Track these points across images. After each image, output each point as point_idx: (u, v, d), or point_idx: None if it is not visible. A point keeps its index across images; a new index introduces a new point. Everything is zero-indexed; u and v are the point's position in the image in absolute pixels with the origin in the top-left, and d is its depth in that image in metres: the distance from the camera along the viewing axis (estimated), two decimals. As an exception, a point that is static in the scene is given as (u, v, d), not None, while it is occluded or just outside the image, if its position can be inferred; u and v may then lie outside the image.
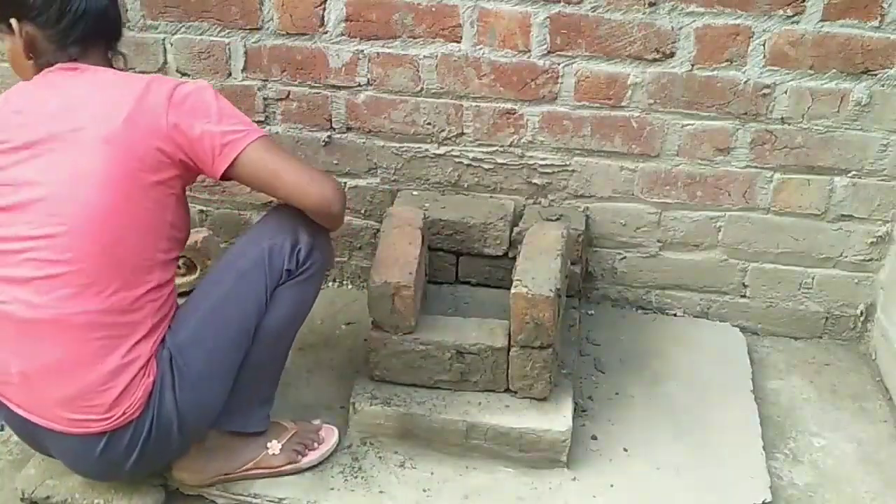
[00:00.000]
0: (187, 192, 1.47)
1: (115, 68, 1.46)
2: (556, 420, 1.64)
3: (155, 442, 1.41)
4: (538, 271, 1.63)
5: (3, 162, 1.35)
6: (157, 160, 1.35)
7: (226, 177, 1.40)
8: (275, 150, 1.43)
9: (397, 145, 2.05)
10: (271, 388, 1.60)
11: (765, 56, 1.81)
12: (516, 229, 1.95)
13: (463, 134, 2.01)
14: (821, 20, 1.76)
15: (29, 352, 1.34)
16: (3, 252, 1.34)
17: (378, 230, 1.98)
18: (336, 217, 1.49)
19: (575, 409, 1.70)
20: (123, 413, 1.36)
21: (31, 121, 1.36)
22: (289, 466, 1.61)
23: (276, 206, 1.54)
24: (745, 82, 1.85)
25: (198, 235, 2.03)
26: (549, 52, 1.88)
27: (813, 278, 2.05)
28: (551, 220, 1.96)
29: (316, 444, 1.64)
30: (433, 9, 1.88)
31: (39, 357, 1.34)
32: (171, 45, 2.02)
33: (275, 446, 1.59)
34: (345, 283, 2.24)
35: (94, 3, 1.39)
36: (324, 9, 1.91)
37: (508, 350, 1.64)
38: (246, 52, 1.99)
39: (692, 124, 1.91)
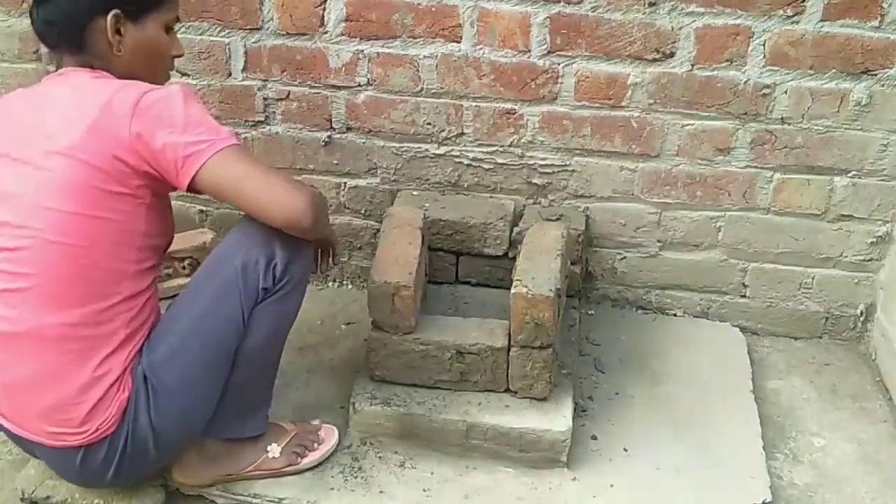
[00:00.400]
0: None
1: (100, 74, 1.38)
2: (556, 420, 1.63)
3: (132, 457, 1.39)
4: (538, 271, 1.63)
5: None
6: (121, 170, 1.30)
7: (192, 189, 1.32)
8: (242, 161, 1.32)
9: (397, 145, 2.05)
10: (266, 393, 1.58)
11: (765, 56, 1.81)
12: (516, 229, 1.95)
13: (463, 134, 2.01)
14: (821, 20, 1.76)
15: (6, 364, 1.34)
16: None
17: (378, 230, 1.98)
18: (308, 231, 1.38)
19: (575, 409, 1.70)
20: (97, 429, 1.35)
21: (11, 123, 1.35)
22: (289, 468, 1.60)
23: (248, 216, 1.43)
24: (745, 82, 1.85)
25: (205, 237, 2.03)
26: (549, 52, 1.88)
27: (813, 278, 2.05)
28: (551, 220, 1.96)
29: (316, 445, 1.64)
30: (433, 9, 1.88)
31: (16, 370, 1.33)
32: (171, 45, 2.02)
33: (275, 449, 1.59)
34: (345, 283, 2.24)
35: (33, 16, 1.37)
36: (324, 9, 1.91)
37: (508, 350, 1.64)
38: (246, 52, 1.99)
39: (692, 124, 1.91)
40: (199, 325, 1.41)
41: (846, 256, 2.01)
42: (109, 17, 1.35)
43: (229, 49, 1.99)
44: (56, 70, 1.39)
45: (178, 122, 1.29)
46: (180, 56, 1.48)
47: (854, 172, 1.92)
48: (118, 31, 1.36)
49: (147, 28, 1.40)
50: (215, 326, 1.41)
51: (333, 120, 2.04)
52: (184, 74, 2.04)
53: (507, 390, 1.68)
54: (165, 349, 1.40)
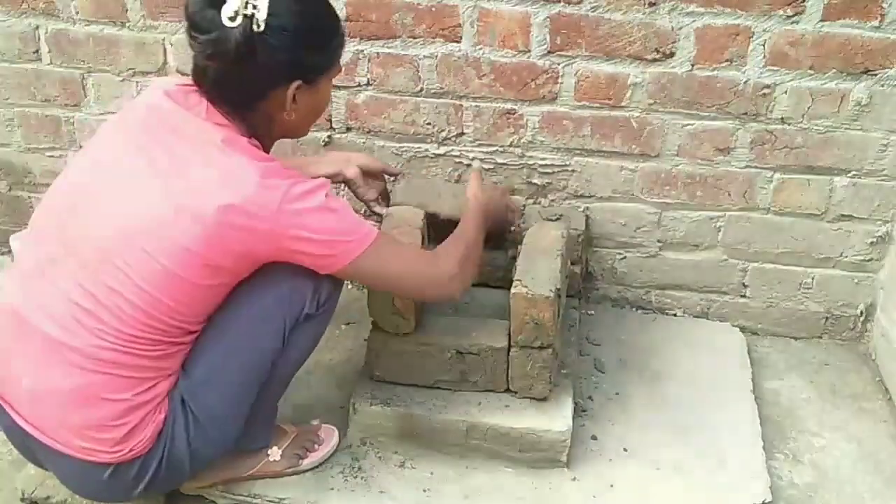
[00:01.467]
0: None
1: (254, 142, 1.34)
2: (556, 420, 1.64)
3: (165, 476, 1.38)
4: (538, 271, 1.63)
5: (114, 147, 1.34)
6: (240, 254, 1.29)
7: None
8: (381, 253, 1.35)
9: (397, 145, 2.05)
10: (275, 406, 1.58)
11: (765, 56, 1.81)
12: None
13: (463, 134, 2.01)
14: (821, 20, 1.76)
15: (49, 371, 1.30)
16: (56, 259, 1.31)
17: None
18: (464, 296, 1.55)
19: (575, 409, 1.70)
20: (131, 449, 1.33)
21: (157, 136, 1.32)
22: (289, 470, 1.61)
23: None
24: (745, 82, 1.85)
25: None
26: (549, 52, 1.88)
27: (813, 278, 2.05)
28: (551, 220, 1.95)
29: (316, 446, 1.64)
30: (433, 9, 1.88)
31: (59, 379, 1.29)
32: (171, 45, 2.02)
33: (275, 453, 1.59)
34: (345, 282, 2.23)
35: (202, 66, 1.30)
36: (324, 9, 1.91)
37: (508, 350, 1.64)
38: (246, 52, 1.99)
39: (692, 124, 1.91)
40: (240, 347, 1.39)
41: (846, 256, 2.01)
42: (291, 88, 1.32)
43: (229, 49, 1.99)
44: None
45: (317, 225, 1.29)
46: None
47: (854, 172, 1.92)
48: (294, 99, 1.33)
49: (320, 89, 1.38)
50: (257, 349, 1.40)
51: (333, 120, 2.04)
52: (184, 74, 2.03)
53: (507, 390, 1.68)
54: (205, 372, 1.38)
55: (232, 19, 1.21)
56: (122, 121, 1.39)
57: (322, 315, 1.47)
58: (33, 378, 1.31)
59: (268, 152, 1.40)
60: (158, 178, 1.28)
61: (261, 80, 1.30)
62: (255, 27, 1.22)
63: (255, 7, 1.22)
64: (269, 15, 1.22)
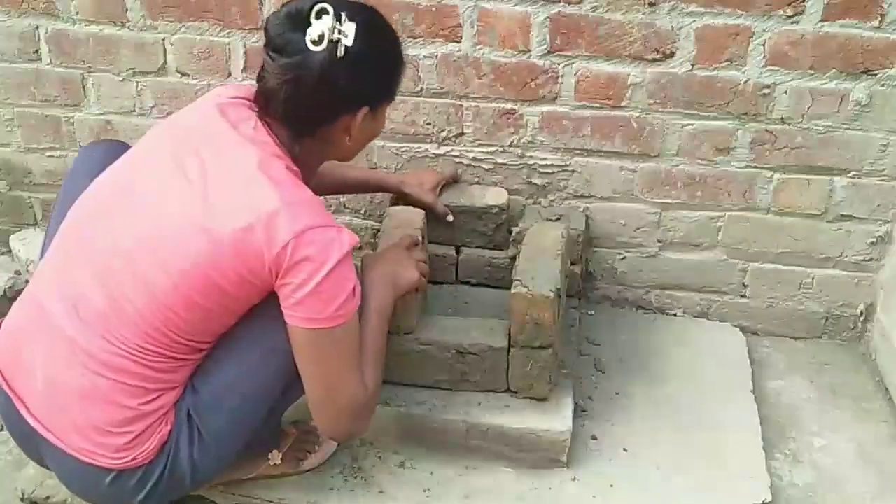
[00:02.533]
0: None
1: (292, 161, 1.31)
2: (556, 420, 1.64)
3: (166, 487, 1.36)
4: (538, 271, 1.63)
5: (154, 155, 1.34)
6: (245, 284, 1.27)
7: None
8: (318, 351, 1.30)
9: (397, 145, 2.04)
10: (280, 416, 1.57)
11: (765, 56, 1.81)
12: (516, 229, 1.95)
13: (463, 134, 2.01)
14: (821, 20, 1.76)
15: (57, 366, 1.30)
16: (83, 257, 1.31)
17: (378, 230, 1.97)
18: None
19: (575, 409, 1.70)
20: (134, 458, 1.31)
21: (186, 145, 1.31)
22: (290, 472, 1.60)
23: None
24: (745, 82, 1.85)
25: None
26: (549, 52, 1.88)
27: (813, 278, 2.05)
28: (551, 220, 1.96)
29: (316, 448, 1.64)
30: (433, 9, 1.88)
31: (62, 377, 1.29)
32: (171, 45, 2.02)
33: (276, 456, 1.58)
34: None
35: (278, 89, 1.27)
36: (324, 9, 1.91)
37: (508, 350, 1.64)
38: (246, 52, 1.99)
39: (692, 124, 1.91)
40: (250, 376, 1.36)
41: (846, 256, 2.01)
42: (360, 115, 1.31)
43: (229, 49, 1.99)
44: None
45: (309, 277, 1.24)
46: None
47: (854, 172, 1.92)
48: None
49: (379, 116, 1.38)
50: (266, 379, 1.38)
51: (333, 120, 2.04)
52: (184, 74, 2.04)
53: (507, 390, 1.68)
54: (214, 392, 1.36)
55: (316, 43, 1.20)
56: (169, 127, 1.38)
57: None
58: (47, 373, 1.31)
59: (310, 175, 1.39)
60: (185, 194, 1.27)
61: (333, 106, 1.29)
62: (338, 53, 1.22)
63: (341, 33, 1.21)
64: (354, 41, 1.22)
